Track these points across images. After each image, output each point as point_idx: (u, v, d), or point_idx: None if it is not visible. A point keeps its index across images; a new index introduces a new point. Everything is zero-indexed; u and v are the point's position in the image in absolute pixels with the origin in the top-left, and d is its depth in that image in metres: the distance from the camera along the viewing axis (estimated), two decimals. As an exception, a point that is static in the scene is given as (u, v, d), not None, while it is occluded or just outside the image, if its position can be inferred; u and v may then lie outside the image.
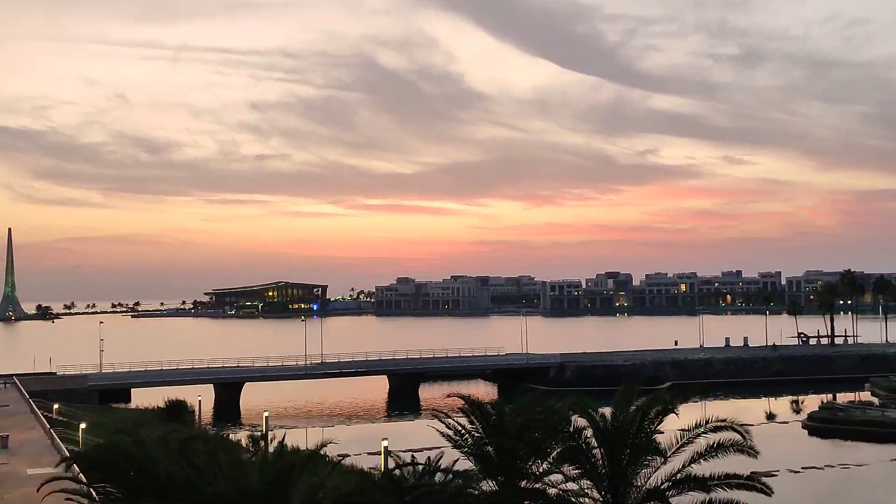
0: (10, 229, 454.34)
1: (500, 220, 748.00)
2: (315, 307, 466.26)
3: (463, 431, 26.73)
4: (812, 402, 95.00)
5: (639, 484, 22.35)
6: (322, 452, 21.15)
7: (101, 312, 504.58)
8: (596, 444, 22.99)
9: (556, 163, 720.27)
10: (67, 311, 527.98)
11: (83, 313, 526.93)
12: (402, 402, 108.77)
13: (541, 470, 25.24)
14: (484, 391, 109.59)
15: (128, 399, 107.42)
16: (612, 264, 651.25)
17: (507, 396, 63.60)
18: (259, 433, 59.66)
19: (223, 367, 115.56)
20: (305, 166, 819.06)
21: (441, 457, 25.83)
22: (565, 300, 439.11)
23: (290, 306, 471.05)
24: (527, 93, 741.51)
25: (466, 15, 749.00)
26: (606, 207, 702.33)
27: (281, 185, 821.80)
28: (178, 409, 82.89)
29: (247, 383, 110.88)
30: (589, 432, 23.33)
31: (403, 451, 32.62)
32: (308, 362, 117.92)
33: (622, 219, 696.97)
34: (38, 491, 23.63)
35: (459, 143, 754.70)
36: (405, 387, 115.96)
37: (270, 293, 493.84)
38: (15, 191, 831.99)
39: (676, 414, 22.85)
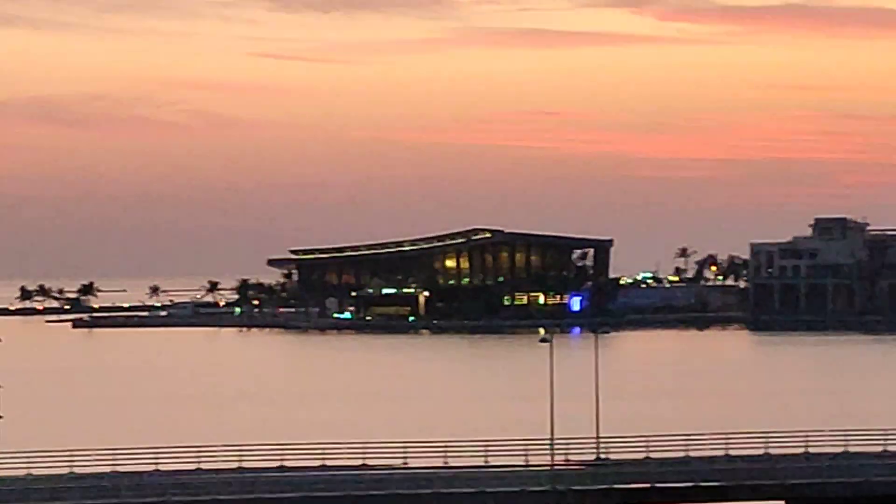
0: None
1: None
2: (577, 303, 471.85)
3: None
4: None
5: None
6: None
7: None
8: None
9: None
10: None
11: None
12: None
13: None
14: None
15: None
16: None
17: None
18: None
19: (323, 467, 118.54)
20: None
21: None
22: None
23: (508, 300, 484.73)
24: None
25: None
26: None
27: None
28: None
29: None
30: None
31: None
32: (563, 459, 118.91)
33: None
34: None
35: None
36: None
37: (449, 263, 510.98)
38: None
39: None
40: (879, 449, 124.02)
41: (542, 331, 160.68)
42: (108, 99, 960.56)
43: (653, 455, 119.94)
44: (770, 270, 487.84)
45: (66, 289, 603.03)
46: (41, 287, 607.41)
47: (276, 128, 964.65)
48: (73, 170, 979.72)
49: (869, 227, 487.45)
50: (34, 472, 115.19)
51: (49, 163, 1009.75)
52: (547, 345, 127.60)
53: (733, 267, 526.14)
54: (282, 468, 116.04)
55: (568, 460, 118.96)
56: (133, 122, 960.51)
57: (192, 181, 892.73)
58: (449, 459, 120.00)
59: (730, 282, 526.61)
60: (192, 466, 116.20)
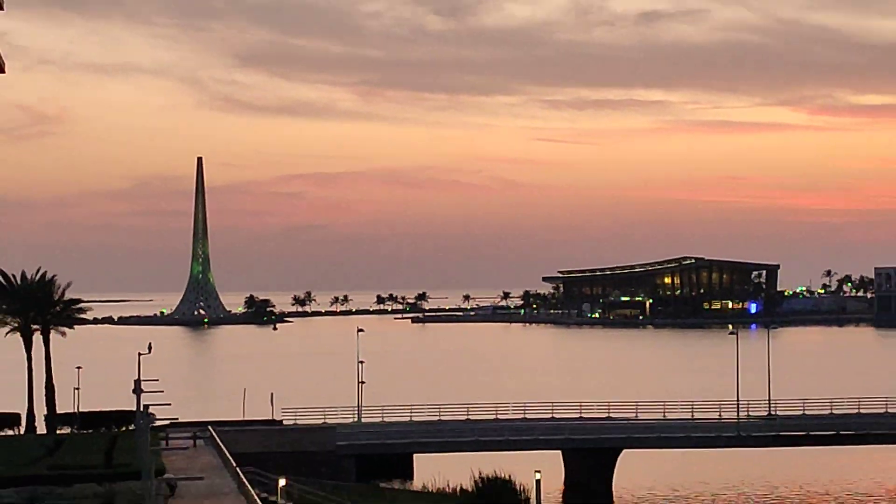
0: (200, 160, 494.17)
1: None
2: (754, 308, 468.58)
3: None
4: None
5: None
6: None
7: (359, 313, 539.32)
8: None
9: None
10: (300, 310, 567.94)
11: (327, 314, 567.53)
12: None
13: None
14: None
15: (408, 473, 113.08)
16: None
17: None
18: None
19: (580, 419, 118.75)
20: (733, 33, 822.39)
21: None
22: None
23: (707, 306, 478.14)
24: None
25: None
26: None
27: (685, 73, 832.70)
28: (498, 494, 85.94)
29: (625, 451, 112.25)
30: None
31: None
32: (745, 415, 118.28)
33: None
34: None
35: None
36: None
37: (666, 280, 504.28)
38: (206, 88, 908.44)
39: None
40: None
41: (730, 327, 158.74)
42: (435, 169, 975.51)
43: (807, 412, 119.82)
44: (889, 286, 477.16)
45: (406, 297, 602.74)
46: (390, 295, 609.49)
47: (547, 188, 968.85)
48: (409, 217, 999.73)
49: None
50: (387, 418, 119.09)
51: (393, 213, 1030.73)
52: (733, 336, 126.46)
53: (863, 283, 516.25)
54: (467, 422, 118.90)
55: (748, 416, 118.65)
56: (452, 185, 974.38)
57: (485, 228, 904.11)
58: (666, 414, 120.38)
59: (860, 294, 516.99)
60: (487, 416, 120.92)
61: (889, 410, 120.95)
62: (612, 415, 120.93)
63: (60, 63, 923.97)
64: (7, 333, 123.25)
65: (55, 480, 76.98)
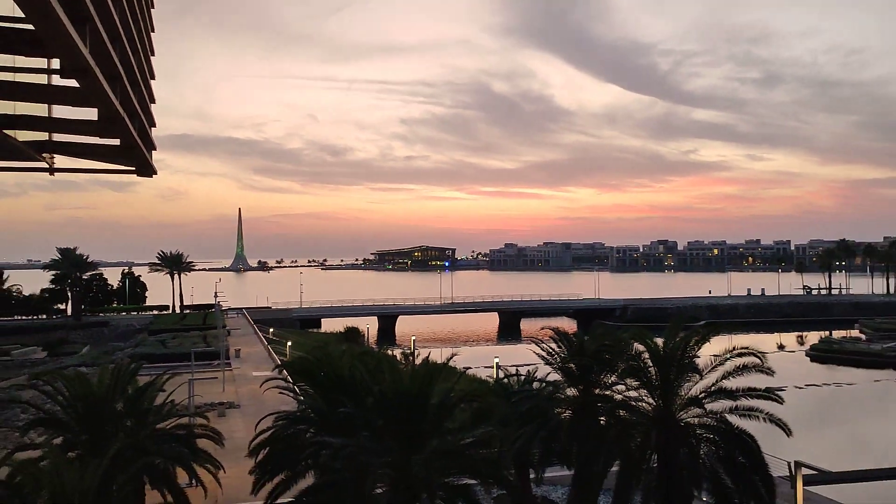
0: (240, 209, 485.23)
1: (580, 202, 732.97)
2: (447, 264, 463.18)
3: (553, 353, 25.57)
4: (813, 338, 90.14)
5: (682, 394, 21.87)
6: (452, 365, 21.16)
7: (301, 266, 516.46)
8: (651, 364, 22.48)
9: (621, 160, 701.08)
10: (278, 265, 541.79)
11: (288, 266, 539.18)
12: (509, 333, 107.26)
13: (609, 381, 24.25)
14: (568, 325, 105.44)
15: (319, 326, 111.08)
16: (662, 234, 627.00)
17: (585, 329, 61.63)
18: (409, 351, 60.60)
19: (384, 304, 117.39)
20: (439, 164, 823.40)
21: (536, 371, 25.54)
22: (627, 260, 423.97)
23: (430, 263, 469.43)
24: (599, 109, 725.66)
25: (556, 53, 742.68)
26: (658, 193, 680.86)
27: (422, 178, 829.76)
28: (353, 334, 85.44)
29: (400, 316, 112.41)
30: (646, 355, 22.74)
31: (510, 366, 32.63)
32: (442, 302, 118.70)
33: (670, 201, 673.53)
34: (260, 387, 25.22)
35: (550, 146, 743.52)
36: (510, 321, 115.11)
37: (416, 254, 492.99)
38: (242, 182, 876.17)
39: (710, 343, 22.16)
40: (538, 298, 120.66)
41: (439, 272, 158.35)
42: (324, 216, 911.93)
43: (474, 300, 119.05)
44: (496, 255, 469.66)
45: (319, 259, 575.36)
46: (313, 259, 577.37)
47: (373, 219, 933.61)
48: (321, 230, 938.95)
49: (518, 245, 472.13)
50: (312, 305, 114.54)
51: (314, 228, 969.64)
52: (439, 274, 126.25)
53: (486, 255, 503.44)
54: (342, 306, 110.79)
55: (444, 302, 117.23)
56: (331, 219, 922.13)
57: (350, 234, 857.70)
58: (414, 302, 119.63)
59: (486, 258, 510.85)
60: (350, 304, 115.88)
61: (486, 300, 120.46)
62: (395, 302, 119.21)
63: (182, 172, 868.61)
64: (164, 274, 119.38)
65: (183, 330, 75.99)
